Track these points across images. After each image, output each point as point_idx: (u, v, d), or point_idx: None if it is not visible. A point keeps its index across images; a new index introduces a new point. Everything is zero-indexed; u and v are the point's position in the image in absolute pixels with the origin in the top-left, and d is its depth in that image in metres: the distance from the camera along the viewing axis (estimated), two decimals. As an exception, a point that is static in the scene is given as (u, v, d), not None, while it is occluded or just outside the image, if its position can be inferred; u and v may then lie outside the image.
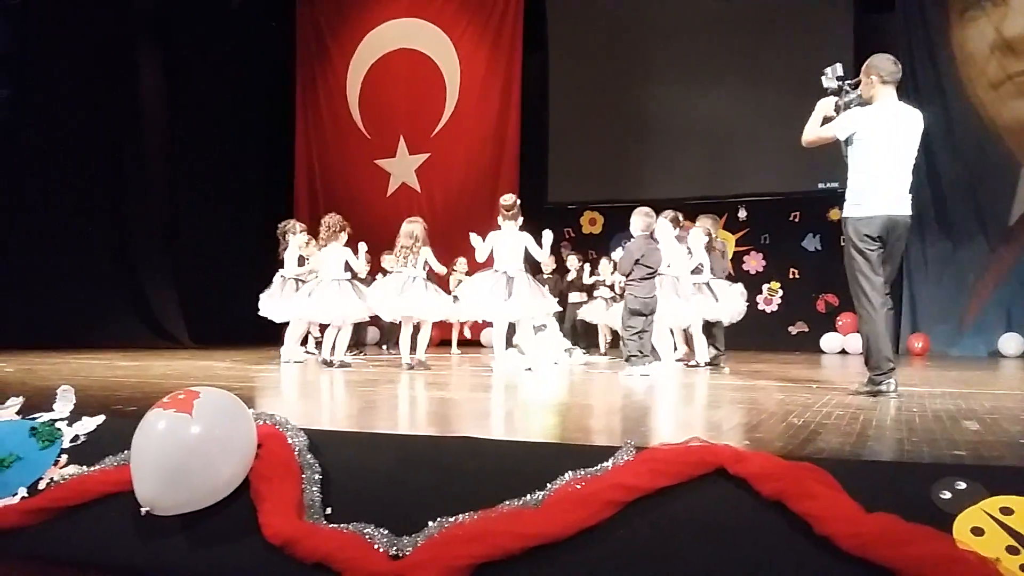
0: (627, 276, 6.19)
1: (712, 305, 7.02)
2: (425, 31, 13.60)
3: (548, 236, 6.69)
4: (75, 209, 10.09)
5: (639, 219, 6.22)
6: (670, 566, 2.03)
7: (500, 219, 6.79)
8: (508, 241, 6.66)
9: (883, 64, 4.66)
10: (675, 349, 7.32)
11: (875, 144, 4.57)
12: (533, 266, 9.81)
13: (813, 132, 4.98)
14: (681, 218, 7.00)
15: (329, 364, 6.79)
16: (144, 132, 11.18)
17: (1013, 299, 10.22)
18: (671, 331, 7.18)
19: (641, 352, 6.02)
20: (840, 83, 4.96)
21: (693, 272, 7.01)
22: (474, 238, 6.73)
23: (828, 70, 5.04)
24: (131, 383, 5.04)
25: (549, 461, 2.29)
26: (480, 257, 6.79)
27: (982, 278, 10.43)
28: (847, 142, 4.68)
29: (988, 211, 10.41)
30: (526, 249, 6.72)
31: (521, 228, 6.80)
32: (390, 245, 7.17)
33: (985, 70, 10.49)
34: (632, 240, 6.24)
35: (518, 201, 6.84)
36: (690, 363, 7.12)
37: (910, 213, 4.69)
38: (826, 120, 4.92)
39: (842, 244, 4.76)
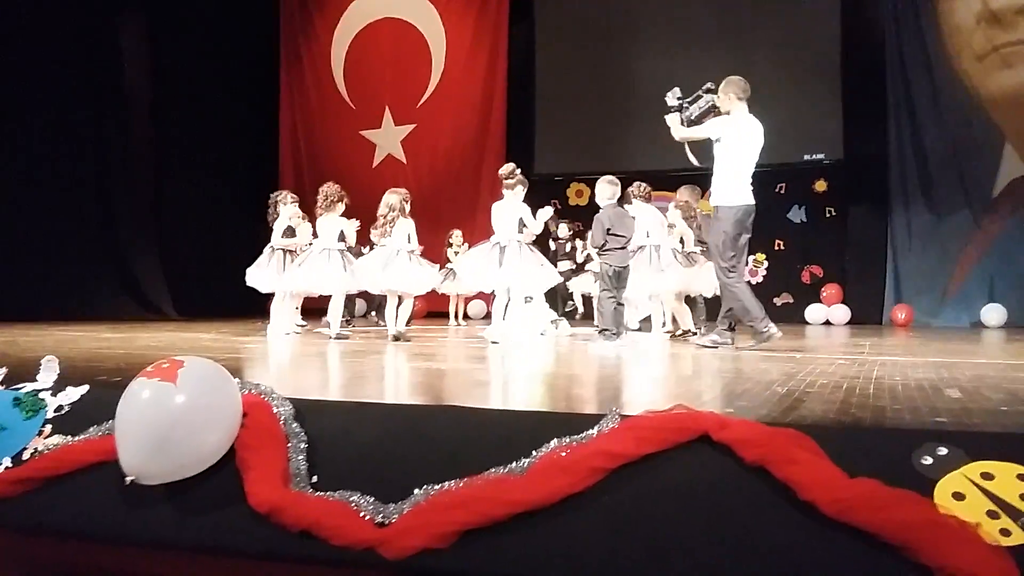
0: (601, 247, 6.21)
1: (694, 277, 7.03)
2: (410, 0, 13.48)
3: (544, 213, 6.65)
4: (60, 182, 10.00)
5: (605, 187, 6.25)
6: (654, 531, 2.04)
7: (503, 188, 6.77)
8: (505, 211, 6.64)
9: (739, 84, 5.83)
10: (664, 324, 7.36)
11: (737, 146, 5.68)
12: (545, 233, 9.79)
13: (681, 133, 6.02)
14: (646, 188, 7.04)
15: (339, 337, 6.77)
16: (128, 104, 11.07)
17: (996, 270, 10.32)
18: (661, 302, 7.21)
19: (614, 327, 6.04)
20: (680, 102, 6.00)
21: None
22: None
23: (669, 94, 6.05)
24: (116, 354, 5.01)
25: (534, 429, 2.29)
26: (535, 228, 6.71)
27: (965, 250, 10.51)
28: (717, 141, 5.76)
29: (972, 183, 10.47)
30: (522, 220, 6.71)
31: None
32: (376, 217, 7.15)
33: (971, 41, 10.50)
34: (601, 210, 6.24)
35: (516, 170, 6.78)
36: (677, 333, 7.16)
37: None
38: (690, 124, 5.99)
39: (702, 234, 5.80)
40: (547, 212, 6.69)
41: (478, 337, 7.17)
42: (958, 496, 1.90)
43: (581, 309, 9.96)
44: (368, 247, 8.81)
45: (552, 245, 10.24)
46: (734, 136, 5.69)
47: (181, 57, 11.62)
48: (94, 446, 2.63)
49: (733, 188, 5.69)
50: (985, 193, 10.44)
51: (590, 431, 2.22)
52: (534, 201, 6.99)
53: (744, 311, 5.60)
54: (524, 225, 6.64)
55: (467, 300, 10.67)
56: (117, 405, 2.40)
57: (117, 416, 2.38)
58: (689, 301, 7.29)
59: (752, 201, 5.74)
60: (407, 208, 6.77)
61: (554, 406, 2.94)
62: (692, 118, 5.95)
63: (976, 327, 10.02)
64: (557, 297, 9.73)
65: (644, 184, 7.18)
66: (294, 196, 8.26)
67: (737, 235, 5.67)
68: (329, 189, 7.09)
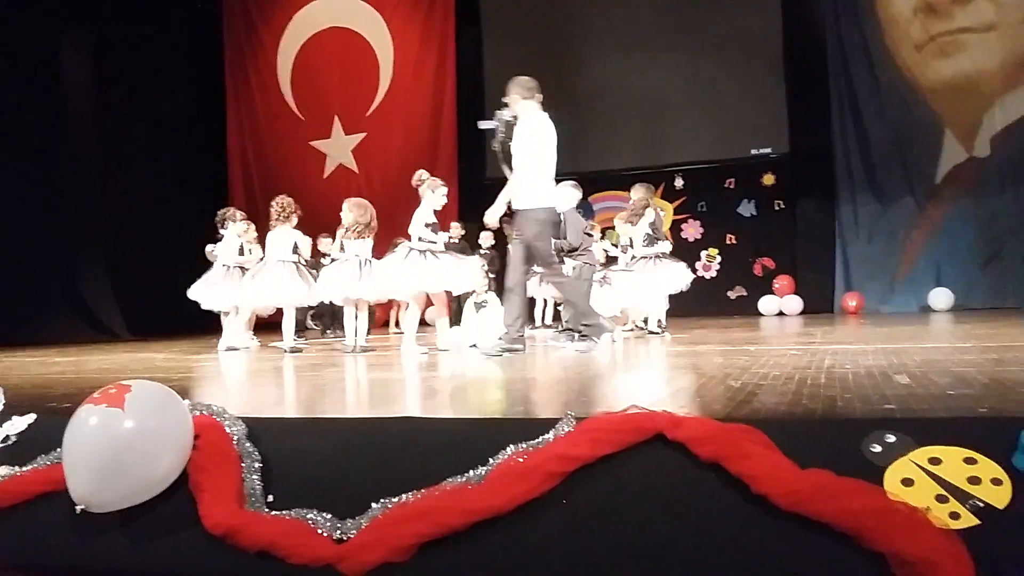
0: (577, 248, 6.26)
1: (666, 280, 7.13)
2: (355, 9, 13.42)
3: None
4: (4, 204, 9.76)
5: (571, 191, 6.30)
6: (613, 532, 2.05)
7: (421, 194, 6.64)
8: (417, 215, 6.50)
9: (522, 83, 5.67)
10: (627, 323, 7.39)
11: (531, 147, 5.45)
12: (471, 242, 9.78)
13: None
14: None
15: (294, 351, 6.69)
16: (73, 123, 10.85)
17: (941, 255, 10.55)
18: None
19: (594, 325, 6.05)
20: (488, 128, 5.92)
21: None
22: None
23: (479, 123, 6.28)
24: (65, 379, 4.91)
25: (491, 436, 2.29)
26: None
27: (911, 236, 10.73)
28: (510, 145, 5.60)
29: (915, 170, 10.70)
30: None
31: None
32: (328, 228, 7.10)
33: (909, 32, 10.73)
34: (568, 214, 6.27)
35: (423, 175, 6.60)
36: (636, 328, 7.22)
37: None
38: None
39: (517, 236, 5.59)
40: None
41: (430, 344, 7.13)
42: (907, 482, 1.94)
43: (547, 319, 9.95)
44: (317, 257, 8.73)
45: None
46: (527, 136, 5.48)
47: (125, 74, 11.42)
48: (43, 476, 2.58)
49: (535, 191, 5.46)
50: (928, 180, 10.67)
51: (546, 435, 2.22)
52: (487, 206, 6.94)
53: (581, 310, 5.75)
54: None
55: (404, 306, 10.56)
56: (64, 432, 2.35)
57: (64, 445, 2.33)
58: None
59: (553, 204, 5.63)
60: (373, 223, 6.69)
61: (510, 412, 2.94)
62: (503, 138, 5.72)
63: (925, 311, 10.24)
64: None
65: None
66: (242, 213, 8.17)
67: (548, 237, 5.60)
68: (283, 202, 7.02)
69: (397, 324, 10.34)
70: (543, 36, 12.56)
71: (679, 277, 7.27)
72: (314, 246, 7.78)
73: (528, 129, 5.48)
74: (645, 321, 7.44)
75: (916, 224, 10.72)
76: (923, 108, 10.66)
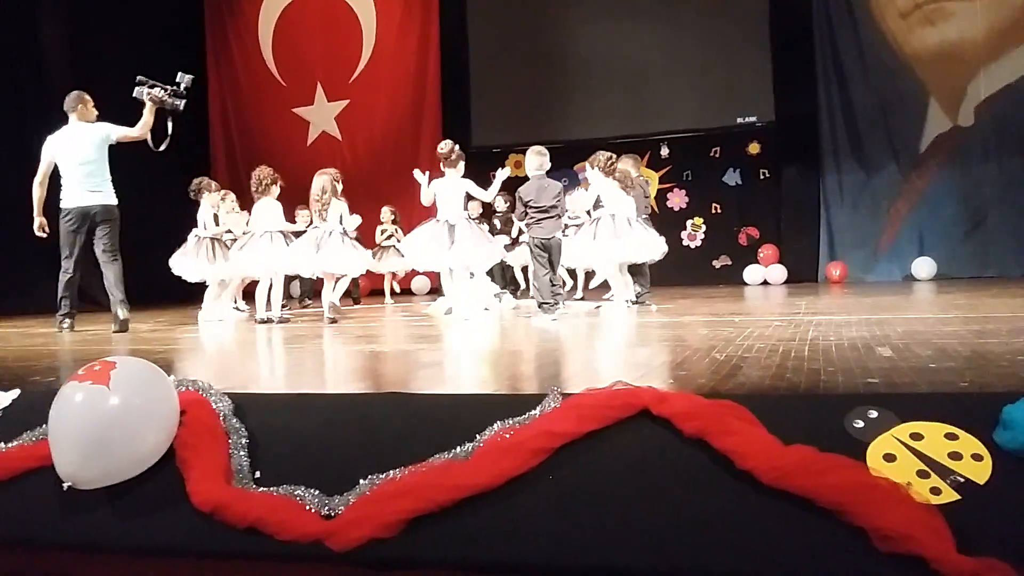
0: (524, 219, 6.24)
1: (635, 244, 7.04)
2: (337, -28, 13.21)
3: (501, 174, 6.69)
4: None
5: (533, 158, 6.26)
6: (600, 508, 2.07)
7: (441, 166, 6.74)
8: (449, 189, 6.63)
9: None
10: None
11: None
12: (486, 209, 9.73)
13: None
14: (608, 161, 6.88)
15: (266, 321, 6.68)
16: (50, 89, 10.64)
17: (924, 224, 10.61)
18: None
19: (552, 298, 6.06)
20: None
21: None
22: (418, 174, 6.70)
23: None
24: (49, 351, 4.89)
25: (478, 412, 2.30)
26: (424, 201, 6.75)
27: (895, 204, 10.78)
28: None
29: (899, 139, 10.72)
30: (469, 195, 6.71)
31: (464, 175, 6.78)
32: (309, 198, 7.04)
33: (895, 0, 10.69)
34: (527, 182, 6.24)
35: (455, 147, 6.77)
36: (611, 299, 7.21)
37: None
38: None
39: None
40: (505, 173, 6.71)
41: (422, 315, 7.15)
42: (889, 457, 1.96)
43: (523, 284, 9.95)
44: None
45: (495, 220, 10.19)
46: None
47: (102, 39, 11.21)
48: (29, 452, 2.57)
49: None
50: (912, 149, 10.69)
51: (532, 412, 2.23)
52: (472, 174, 6.97)
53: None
54: (470, 199, 6.65)
55: (396, 276, 10.57)
56: (50, 409, 2.34)
57: (50, 422, 2.32)
58: (635, 269, 7.31)
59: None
60: (339, 188, 6.74)
61: (497, 387, 2.95)
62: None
63: (908, 281, 10.31)
64: (496, 271, 9.67)
65: (609, 156, 6.82)
66: (217, 184, 8.09)
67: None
68: (262, 173, 6.96)
69: (392, 293, 10.35)
70: (527, 2, 12.44)
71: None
72: (290, 218, 7.73)
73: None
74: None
75: (900, 193, 10.76)
76: (908, 76, 10.66)
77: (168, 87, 6.50)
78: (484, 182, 7.05)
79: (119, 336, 6.00)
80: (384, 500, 2.12)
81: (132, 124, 6.65)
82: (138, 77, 6.54)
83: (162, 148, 6.60)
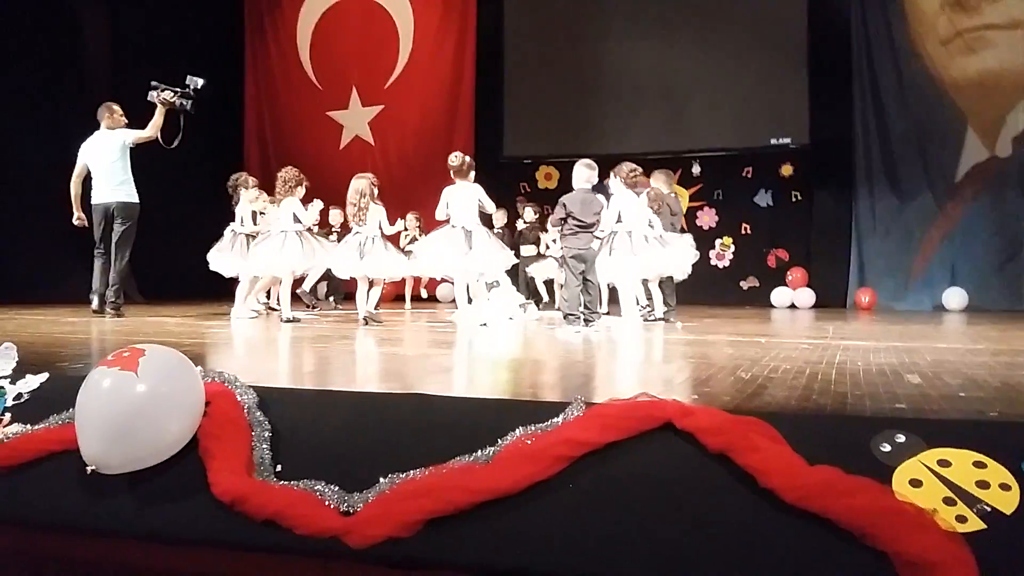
0: (561, 229, 6.24)
1: (663, 260, 7.01)
2: (377, -22, 13.31)
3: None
4: (21, 163, 9.77)
5: (582, 171, 6.25)
6: (618, 518, 2.06)
7: (452, 175, 6.81)
8: (462, 196, 6.67)
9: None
10: (638, 303, 7.34)
11: None
12: (511, 219, 9.76)
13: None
14: (632, 173, 6.84)
15: (292, 320, 6.75)
16: (88, 84, 10.82)
17: (957, 254, 10.47)
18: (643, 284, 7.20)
19: (578, 311, 6.05)
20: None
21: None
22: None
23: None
24: (77, 339, 4.95)
25: (500, 417, 2.30)
26: (439, 215, 6.80)
27: (928, 233, 10.65)
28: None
29: (935, 167, 10.59)
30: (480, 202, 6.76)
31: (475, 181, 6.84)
32: (343, 199, 7.09)
33: (935, 26, 10.59)
34: (572, 192, 6.25)
35: (466, 158, 6.86)
36: (650, 316, 7.17)
37: None
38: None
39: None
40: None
41: (446, 321, 7.16)
42: (915, 483, 1.93)
43: (545, 297, 9.92)
44: (329, 230, 8.79)
45: (519, 228, 10.18)
46: None
47: (143, 39, 11.37)
48: (54, 435, 2.60)
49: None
50: (948, 177, 10.57)
51: (555, 419, 2.23)
52: (502, 185, 7.00)
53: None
54: (483, 207, 6.73)
55: (427, 284, 10.62)
56: (77, 393, 2.37)
57: (77, 406, 2.35)
58: (664, 283, 7.28)
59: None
60: (375, 192, 6.79)
61: (520, 394, 2.95)
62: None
63: (938, 310, 10.17)
64: (519, 282, 9.67)
65: (633, 167, 6.76)
66: (254, 179, 8.17)
67: None
68: (287, 174, 7.05)
69: (413, 299, 10.38)
70: (565, 16, 12.47)
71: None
72: (325, 216, 7.80)
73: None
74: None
75: (933, 222, 10.62)
76: (946, 104, 10.54)
77: (178, 89, 7.08)
78: (515, 193, 7.09)
79: (149, 326, 6.07)
80: (403, 499, 2.13)
81: (167, 119, 7.09)
82: (152, 82, 7.15)
83: (174, 145, 7.17)
